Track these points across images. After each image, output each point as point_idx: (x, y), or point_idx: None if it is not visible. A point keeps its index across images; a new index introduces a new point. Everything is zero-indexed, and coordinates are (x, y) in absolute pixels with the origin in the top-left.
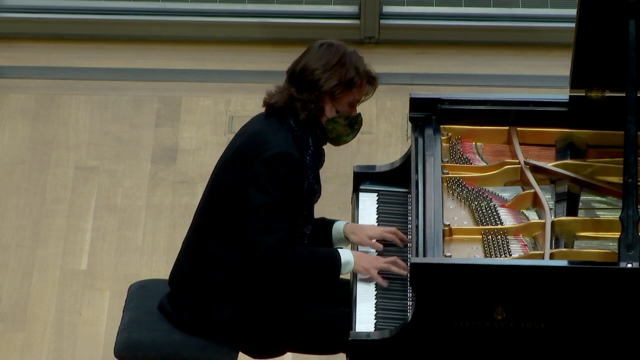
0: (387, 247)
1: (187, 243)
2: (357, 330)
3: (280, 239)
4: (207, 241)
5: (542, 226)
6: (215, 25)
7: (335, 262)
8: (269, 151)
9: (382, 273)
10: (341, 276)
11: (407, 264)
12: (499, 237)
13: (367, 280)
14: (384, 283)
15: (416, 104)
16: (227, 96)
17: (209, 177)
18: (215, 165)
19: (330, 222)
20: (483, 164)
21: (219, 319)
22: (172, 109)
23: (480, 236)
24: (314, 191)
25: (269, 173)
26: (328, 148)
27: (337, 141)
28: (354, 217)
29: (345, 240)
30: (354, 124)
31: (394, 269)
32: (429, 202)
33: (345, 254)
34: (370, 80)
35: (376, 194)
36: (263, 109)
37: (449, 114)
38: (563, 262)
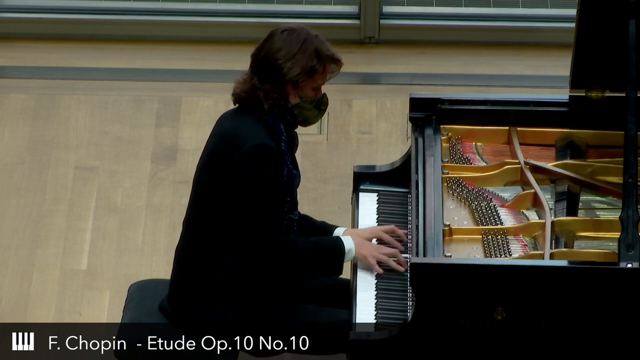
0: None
1: (180, 247)
2: (357, 330)
3: (275, 232)
4: (199, 244)
5: (542, 226)
6: (215, 25)
7: (339, 251)
8: (244, 146)
9: (380, 265)
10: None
11: (407, 264)
12: (499, 237)
13: (367, 277)
14: (380, 270)
15: (416, 104)
16: (227, 96)
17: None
18: (195, 171)
19: (332, 228)
20: (483, 164)
21: (218, 319)
22: (172, 109)
23: (480, 236)
24: (293, 176)
25: (249, 167)
26: (328, 149)
27: (306, 123)
28: (354, 217)
29: None
30: (320, 104)
31: (392, 264)
32: (429, 202)
33: (348, 242)
34: (335, 62)
35: (376, 194)
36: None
37: (449, 114)
38: (563, 262)
